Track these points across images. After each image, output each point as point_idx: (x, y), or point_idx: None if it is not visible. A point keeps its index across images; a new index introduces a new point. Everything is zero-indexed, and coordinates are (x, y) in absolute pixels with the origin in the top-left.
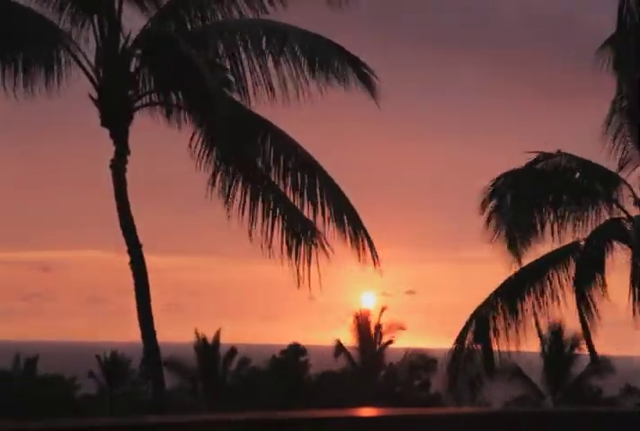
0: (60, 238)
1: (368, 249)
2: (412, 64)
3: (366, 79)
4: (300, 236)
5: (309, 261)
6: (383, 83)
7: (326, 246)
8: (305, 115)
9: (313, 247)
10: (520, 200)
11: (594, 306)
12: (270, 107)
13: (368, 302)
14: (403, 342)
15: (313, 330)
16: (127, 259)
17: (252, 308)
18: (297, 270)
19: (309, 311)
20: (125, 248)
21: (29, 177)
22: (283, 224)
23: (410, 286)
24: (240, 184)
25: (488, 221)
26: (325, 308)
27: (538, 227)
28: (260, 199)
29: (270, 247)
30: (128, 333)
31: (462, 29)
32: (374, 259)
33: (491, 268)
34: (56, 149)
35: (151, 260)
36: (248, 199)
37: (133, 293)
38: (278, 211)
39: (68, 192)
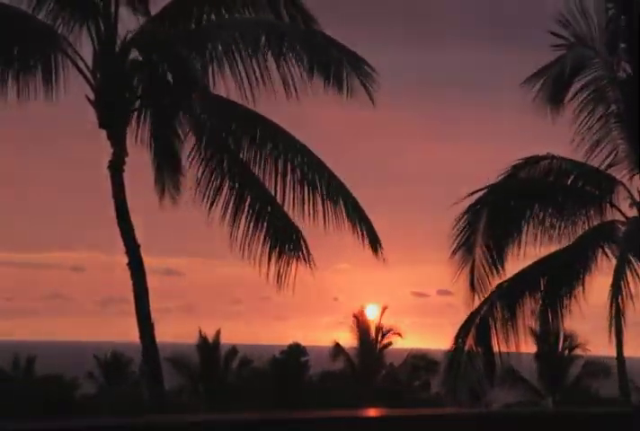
0: (59, 238)
1: (369, 239)
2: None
3: (365, 85)
4: (282, 247)
5: (289, 267)
6: (384, 80)
7: (307, 258)
8: (302, 113)
9: (293, 258)
10: (494, 222)
11: (561, 310)
12: (269, 105)
13: (372, 303)
14: (413, 343)
15: (323, 330)
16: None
17: (258, 308)
18: (279, 275)
19: (329, 311)
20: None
21: (28, 177)
22: (267, 231)
23: (447, 286)
24: (226, 186)
25: (454, 253)
26: (347, 309)
27: (516, 243)
28: (245, 203)
29: (249, 252)
30: (133, 333)
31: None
32: (376, 249)
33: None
34: (54, 151)
35: (151, 261)
36: (232, 203)
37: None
38: (262, 217)
39: (68, 192)
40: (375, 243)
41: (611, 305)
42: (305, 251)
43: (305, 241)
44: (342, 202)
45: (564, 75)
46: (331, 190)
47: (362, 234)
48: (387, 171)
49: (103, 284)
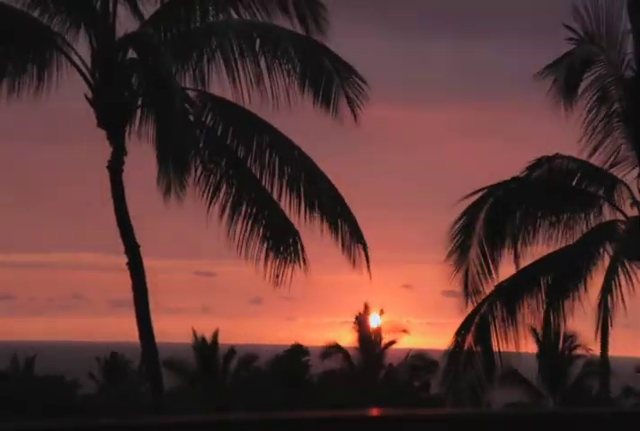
0: (58, 239)
1: (362, 253)
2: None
3: (352, 104)
4: (278, 248)
5: (285, 267)
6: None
7: (302, 262)
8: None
9: (289, 259)
10: (492, 223)
11: (563, 309)
12: (263, 108)
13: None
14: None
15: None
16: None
17: (276, 308)
18: (277, 274)
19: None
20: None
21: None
22: (264, 231)
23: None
24: (224, 186)
25: (451, 255)
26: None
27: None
28: (243, 203)
29: (246, 251)
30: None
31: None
32: (367, 264)
33: None
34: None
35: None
36: (230, 202)
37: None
38: (259, 218)
39: (67, 193)
40: (367, 263)
41: (599, 305)
42: (300, 253)
43: (301, 243)
44: (329, 207)
45: (575, 69)
46: (321, 194)
47: (346, 240)
48: (415, 169)
49: (114, 284)
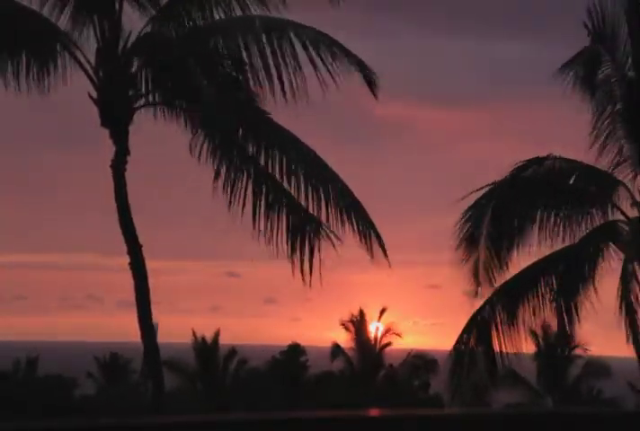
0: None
1: (376, 243)
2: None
3: (368, 77)
4: (305, 229)
5: (312, 254)
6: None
7: (332, 236)
8: (305, 115)
9: (318, 238)
10: (498, 218)
11: (576, 310)
12: (272, 104)
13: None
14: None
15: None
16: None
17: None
18: (302, 264)
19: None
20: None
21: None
22: (287, 218)
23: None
24: (243, 180)
25: (460, 245)
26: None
27: (520, 242)
28: (263, 195)
29: (274, 243)
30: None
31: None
32: (384, 254)
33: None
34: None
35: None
36: (251, 195)
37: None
38: (281, 205)
39: (69, 193)
40: (381, 247)
41: (620, 308)
42: (327, 231)
43: (323, 224)
44: (343, 207)
45: (590, 66)
46: (336, 196)
47: (365, 238)
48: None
49: (120, 285)
